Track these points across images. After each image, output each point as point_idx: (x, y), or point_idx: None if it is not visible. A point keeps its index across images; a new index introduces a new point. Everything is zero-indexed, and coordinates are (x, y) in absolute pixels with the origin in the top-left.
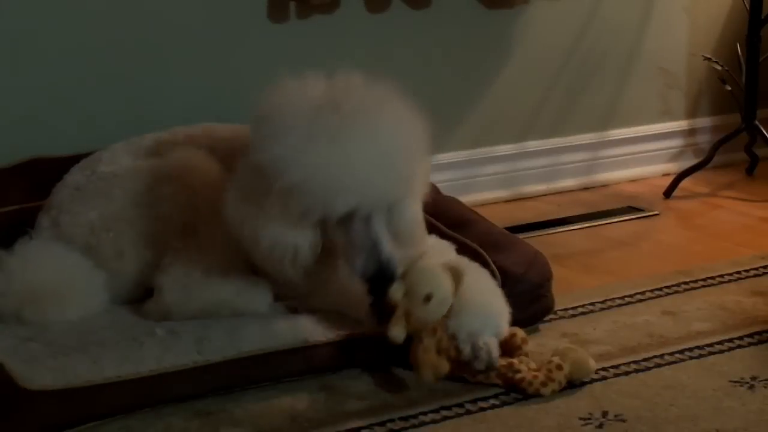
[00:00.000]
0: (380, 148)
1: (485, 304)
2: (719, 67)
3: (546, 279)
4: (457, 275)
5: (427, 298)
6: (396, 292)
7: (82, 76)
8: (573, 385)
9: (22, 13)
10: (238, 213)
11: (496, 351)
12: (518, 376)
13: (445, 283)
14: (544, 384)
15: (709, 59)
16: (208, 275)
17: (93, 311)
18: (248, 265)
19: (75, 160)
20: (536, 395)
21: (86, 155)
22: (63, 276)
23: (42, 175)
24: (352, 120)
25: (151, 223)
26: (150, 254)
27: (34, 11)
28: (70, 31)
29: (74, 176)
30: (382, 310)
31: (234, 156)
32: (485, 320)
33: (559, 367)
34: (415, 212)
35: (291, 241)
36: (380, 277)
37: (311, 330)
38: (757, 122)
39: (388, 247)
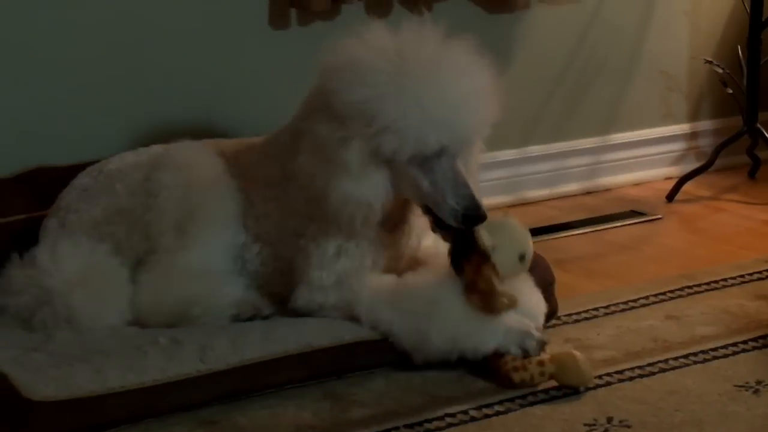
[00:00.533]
0: (469, 85)
1: (524, 299)
2: (720, 70)
3: (548, 283)
4: None
5: (522, 257)
6: (488, 242)
7: (82, 85)
8: (576, 391)
9: (21, 25)
10: (309, 167)
11: (544, 334)
12: (502, 360)
13: (531, 246)
14: (515, 369)
15: (710, 62)
16: (182, 274)
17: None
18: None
19: (77, 168)
20: (506, 383)
21: (88, 164)
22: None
23: (45, 184)
24: (437, 59)
25: (146, 213)
26: (143, 249)
27: (33, 22)
28: (70, 40)
29: (82, 179)
30: (462, 258)
31: (241, 159)
32: (526, 314)
33: (540, 363)
34: (478, 163)
35: (365, 193)
36: (473, 215)
37: (314, 335)
38: (758, 125)
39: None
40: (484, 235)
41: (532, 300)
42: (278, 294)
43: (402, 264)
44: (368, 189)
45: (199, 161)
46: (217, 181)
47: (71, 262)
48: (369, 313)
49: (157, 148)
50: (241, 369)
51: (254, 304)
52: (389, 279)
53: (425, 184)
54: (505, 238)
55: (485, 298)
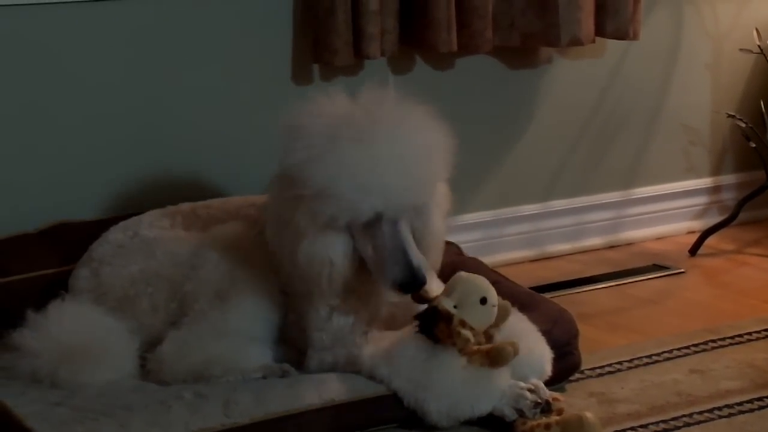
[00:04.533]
0: (405, 150)
1: (529, 347)
2: (743, 125)
3: (572, 336)
4: (504, 309)
5: (483, 301)
6: (447, 304)
7: (106, 141)
8: None
9: (47, 80)
10: (274, 231)
11: (544, 391)
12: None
13: (492, 288)
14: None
15: (732, 116)
16: (208, 333)
17: (125, 374)
18: (274, 329)
19: (101, 224)
20: None
21: (113, 219)
22: (98, 337)
23: (68, 240)
24: (376, 124)
25: (188, 283)
26: (180, 313)
27: (59, 78)
28: (92, 98)
29: (116, 235)
30: (427, 318)
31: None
32: (530, 363)
33: (547, 427)
34: (438, 223)
35: (324, 252)
36: (411, 282)
37: (337, 389)
38: None
39: (416, 253)
40: (440, 296)
41: (537, 348)
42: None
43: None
44: (324, 249)
45: (242, 238)
46: (257, 257)
47: (74, 325)
48: (370, 372)
49: (186, 207)
50: (265, 423)
51: (282, 369)
52: (390, 336)
53: (368, 250)
54: (460, 291)
55: (478, 355)
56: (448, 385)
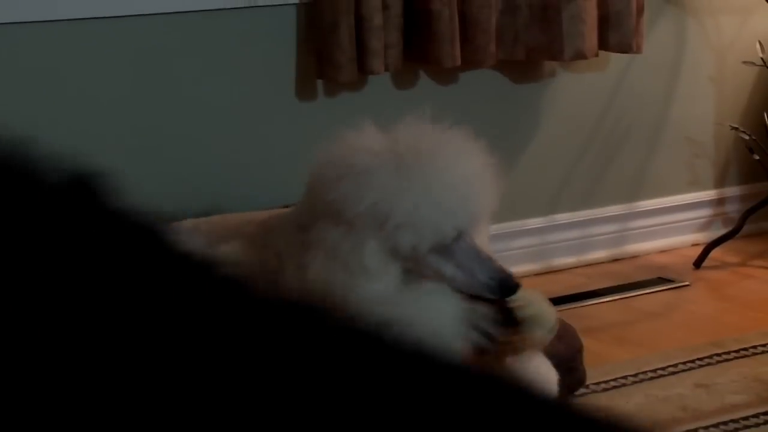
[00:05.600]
0: (469, 168)
1: (533, 369)
2: (746, 137)
3: (576, 351)
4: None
5: (551, 330)
6: (521, 312)
7: (109, 159)
8: None
9: (48, 99)
10: (324, 276)
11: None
12: None
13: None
14: None
15: (736, 129)
16: None
17: None
18: None
19: None
20: None
21: None
22: None
23: None
24: (433, 149)
25: None
26: None
27: (62, 96)
28: (97, 115)
29: None
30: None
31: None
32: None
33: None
34: (487, 229)
35: (384, 291)
36: (508, 285)
37: None
38: None
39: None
40: (518, 306)
41: (541, 369)
42: None
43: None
44: (387, 285)
45: (242, 258)
46: (259, 278)
47: None
48: None
49: (188, 224)
50: None
51: None
52: None
53: (448, 269)
54: (535, 310)
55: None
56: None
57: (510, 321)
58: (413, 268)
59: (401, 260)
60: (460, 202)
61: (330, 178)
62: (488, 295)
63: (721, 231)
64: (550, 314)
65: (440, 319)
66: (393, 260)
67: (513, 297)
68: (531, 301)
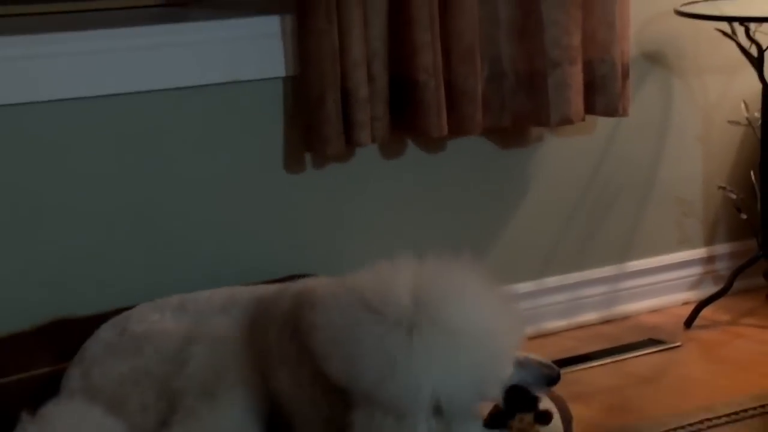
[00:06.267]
0: (492, 308)
1: None
2: (734, 196)
3: (566, 422)
4: None
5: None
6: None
7: (100, 237)
8: None
9: (38, 177)
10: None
11: None
12: None
13: None
14: None
15: (723, 188)
16: None
17: None
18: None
19: (97, 319)
20: None
21: (109, 314)
22: None
23: (66, 337)
24: (464, 310)
25: (176, 379)
26: (169, 410)
27: (50, 173)
28: (87, 193)
29: (106, 333)
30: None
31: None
32: None
33: None
34: None
35: None
36: (555, 375)
37: None
38: None
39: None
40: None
41: None
42: None
43: None
44: None
45: (228, 333)
46: (243, 352)
47: (68, 428)
48: None
49: (175, 300)
50: None
51: None
52: None
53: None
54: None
55: None
56: None
57: (524, 409)
58: None
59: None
60: (502, 353)
61: (369, 376)
62: (544, 387)
63: (712, 289)
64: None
65: None
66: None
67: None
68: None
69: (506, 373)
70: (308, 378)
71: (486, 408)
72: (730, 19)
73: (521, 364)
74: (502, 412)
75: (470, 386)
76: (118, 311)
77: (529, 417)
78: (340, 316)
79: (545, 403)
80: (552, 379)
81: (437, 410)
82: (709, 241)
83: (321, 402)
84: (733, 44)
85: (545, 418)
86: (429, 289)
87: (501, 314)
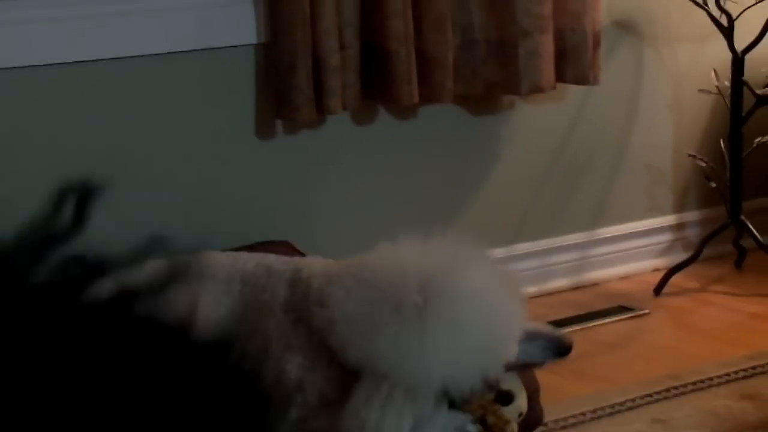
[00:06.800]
0: (497, 291)
1: None
2: (704, 164)
3: (533, 392)
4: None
5: (520, 415)
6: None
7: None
8: None
9: (3, 142)
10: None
11: None
12: None
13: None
14: None
15: (693, 156)
16: None
17: None
18: None
19: None
20: None
21: None
22: None
23: None
24: (468, 292)
25: None
26: None
27: (17, 139)
28: (53, 159)
29: None
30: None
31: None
32: None
33: None
34: None
35: None
36: (566, 345)
37: None
38: (743, 217)
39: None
40: (508, 381)
41: None
42: None
43: None
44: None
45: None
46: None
47: None
48: None
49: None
50: None
51: None
52: None
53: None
54: (519, 392)
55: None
56: None
57: (505, 400)
58: None
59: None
60: (505, 338)
61: (383, 356)
62: (555, 360)
63: (681, 256)
64: (524, 402)
65: None
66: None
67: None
68: (512, 382)
69: (510, 355)
70: (325, 361)
71: None
72: None
73: (529, 337)
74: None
75: (475, 368)
76: None
77: (489, 396)
78: (355, 308)
79: (510, 383)
80: (562, 350)
81: (445, 393)
82: (679, 208)
83: (336, 382)
84: (703, 13)
85: (507, 398)
86: (437, 272)
87: (506, 297)
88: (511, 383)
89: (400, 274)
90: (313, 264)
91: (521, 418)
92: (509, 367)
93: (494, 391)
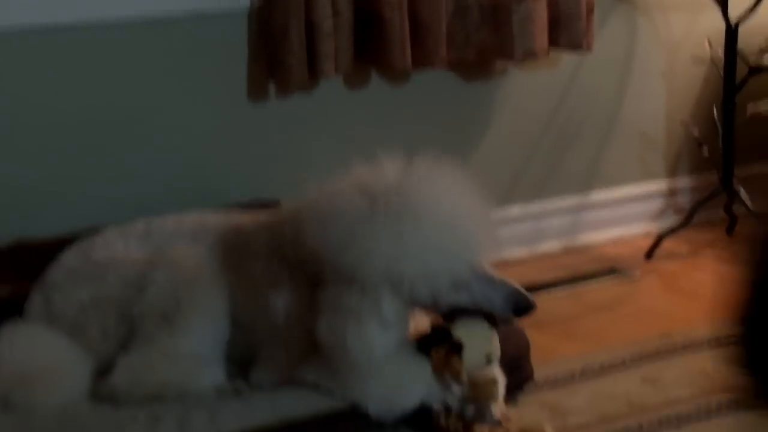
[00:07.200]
0: (466, 200)
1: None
2: (696, 132)
3: (523, 350)
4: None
5: (488, 357)
6: (461, 336)
7: (61, 158)
8: None
9: (5, 105)
10: (340, 332)
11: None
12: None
13: (498, 344)
14: None
15: (686, 124)
16: (159, 357)
17: (79, 396)
18: (222, 347)
19: (59, 243)
20: None
21: (70, 238)
22: (50, 360)
23: (27, 259)
24: (428, 190)
25: (136, 304)
26: (129, 336)
27: (12, 94)
28: (48, 120)
29: (69, 258)
30: (432, 346)
31: (227, 249)
32: None
33: None
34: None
35: (393, 339)
36: (523, 305)
37: (292, 406)
38: (734, 184)
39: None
40: (458, 330)
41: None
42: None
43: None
44: (398, 333)
45: (190, 259)
46: (206, 278)
47: (26, 349)
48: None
49: (141, 226)
50: None
51: (235, 388)
52: None
53: (464, 299)
54: (474, 338)
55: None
56: (384, 374)
57: (442, 340)
58: (431, 307)
59: (420, 306)
60: (466, 238)
61: (334, 243)
62: (509, 314)
63: (673, 220)
64: (487, 344)
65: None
66: (409, 309)
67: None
68: (470, 328)
69: (473, 261)
70: (306, 297)
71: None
72: None
73: (492, 283)
74: (420, 345)
75: (435, 268)
76: (76, 235)
77: (443, 349)
78: (324, 200)
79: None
80: (523, 306)
81: (409, 290)
82: (671, 174)
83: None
84: None
85: (459, 348)
86: (406, 177)
87: (473, 207)
88: (475, 325)
89: (373, 177)
90: (285, 207)
91: (492, 361)
92: (471, 312)
93: (447, 342)
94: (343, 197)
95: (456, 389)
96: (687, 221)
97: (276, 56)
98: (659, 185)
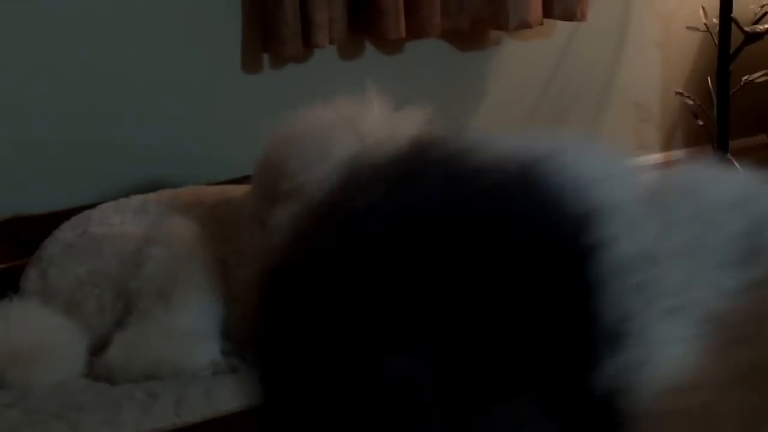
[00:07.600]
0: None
1: None
2: (691, 102)
3: None
4: None
5: None
6: None
7: (56, 132)
8: None
9: None
10: None
11: None
12: None
13: None
14: None
15: (680, 94)
16: (155, 334)
17: (75, 374)
18: (218, 324)
19: (54, 217)
20: None
21: (65, 212)
22: (46, 338)
23: (22, 234)
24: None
25: (132, 281)
26: (126, 311)
27: (6, 68)
28: (43, 88)
29: (65, 233)
30: None
31: (217, 221)
32: None
33: None
34: None
35: None
36: None
37: None
38: (729, 155)
39: None
40: None
41: None
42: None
43: None
44: None
45: (186, 235)
46: (202, 255)
47: (22, 326)
48: None
49: (137, 201)
50: (216, 421)
51: (230, 365)
52: None
53: None
54: None
55: None
56: None
57: None
58: None
59: None
60: None
61: (294, 166)
62: None
63: None
64: None
65: None
66: None
67: None
68: None
69: None
70: None
71: None
72: None
73: None
74: None
75: None
76: (76, 210)
77: None
78: (308, 126)
79: None
80: None
81: None
82: (666, 146)
83: None
84: None
85: None
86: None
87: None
88: None
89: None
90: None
91: None
92: None
93: None
94: (332, 130)
95: None
96: None
97: (270, 27)
98: (654, 157)
